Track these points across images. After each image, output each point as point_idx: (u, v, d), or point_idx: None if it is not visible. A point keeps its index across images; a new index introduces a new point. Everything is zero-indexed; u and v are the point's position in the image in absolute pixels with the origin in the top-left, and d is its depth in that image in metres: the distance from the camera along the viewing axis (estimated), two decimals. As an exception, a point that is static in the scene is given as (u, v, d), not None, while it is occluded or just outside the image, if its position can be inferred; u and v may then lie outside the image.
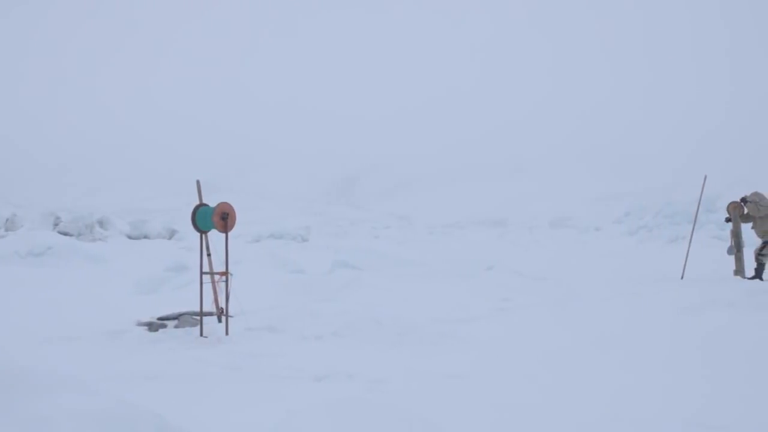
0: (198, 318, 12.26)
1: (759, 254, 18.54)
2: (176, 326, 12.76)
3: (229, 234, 12.06)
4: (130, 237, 47.83)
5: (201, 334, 11.69)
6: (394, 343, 10.84)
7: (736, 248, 18.93)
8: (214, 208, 11.89)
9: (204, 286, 12.19)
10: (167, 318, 13.24)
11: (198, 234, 12.37)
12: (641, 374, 8.69)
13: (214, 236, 12.47)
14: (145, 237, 48.22)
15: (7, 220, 48.28)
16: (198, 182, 12.92)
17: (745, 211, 19.04)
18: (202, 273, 12.18)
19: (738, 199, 19.44)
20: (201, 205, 12.18)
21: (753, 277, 18.33)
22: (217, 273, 12.13)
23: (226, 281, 11.91)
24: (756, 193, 19.02)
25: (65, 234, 40.40)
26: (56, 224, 45.34)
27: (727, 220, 19.45)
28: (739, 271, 18.76)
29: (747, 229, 19.35)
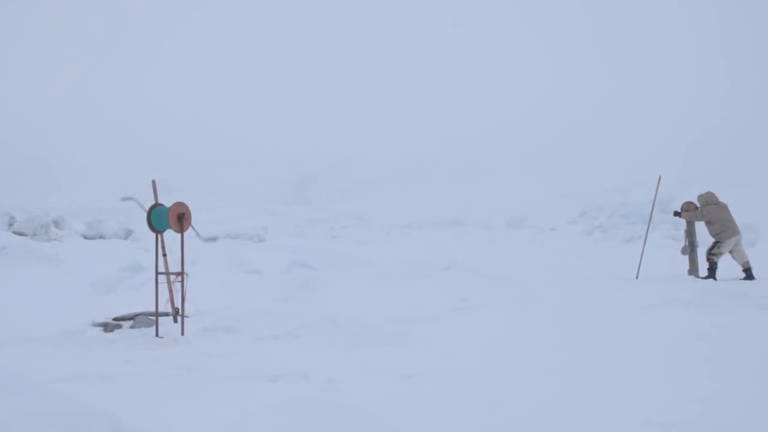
0: (153, 318, 12.21)
1: (710, 254, 18.75)
2: (132, 327, 12.71)
3: (185, 234, 12.03)
4: (85, 237, 47.46)
5: (156, 335, 11.64)
6: (350, 343, 10.85)
7: (690, 248, 19.13)
8: (169, 208, 11.85)
9: (160, 286, 12.15)
10: (123, 318, 13.17)
11: (154, 234, 12.33)
12: (598, 373, 8.76)
13: (170, 236, 12.43)
14: (101, 237, 47.85)
15: (-41, 220, 47.74)
16: (153, 182, 12.89)
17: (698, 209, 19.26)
18: (157, 273, 12.13)
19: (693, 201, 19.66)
20: (156, 205, 12.14)
21: (706, 277, 18.54)
22: (173, 273, 12.10)
23: (182, 281, 11.88)
24: (708, 193, 19.22)
25: (20, 234, 39.93)
26: (11, 224, 44.85)
27: (676, 213, 19.63)
28: (693, 270, 18.96)
29: (701, 230, 19.55)
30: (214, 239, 47.80)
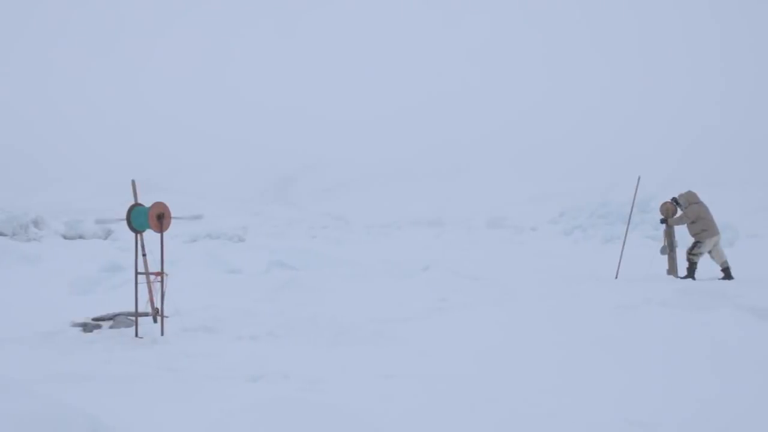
0: (133, 318, 12.18)
1: (690, 254, 18.84)
2: (111, 327, 12.66)
3: (165, 234, 12.01)
4: (65, 237, 47.26)
5: (136, 335, 11.61)
6: (330, 343, 10.85)
7: (669, 248, 19.21)
8: (149, 208, 11.83)
9: (139, 286, 12.13)
10: (102, 319, 13.12)
11: (133, 234, 12.30)
12: (578, 373, 8.79)
13: (150, 236, 12.40)
14: (81, 237, 47.68)
15: (-62, 219, 47.47)
16: (133, 182, 12.85)
17: (678, 212, 19.35)
18: (137, 273, 12.11)
19: (669, 200, 19.73)
20: (136, 205, 12.11)
21: (685, 277, 18.63)
22: (153, 273, 12.07)
23: (162, 281, 11.85)
24: (689, 192, 19.29)
25: (-1, 234, 39.84)
26: (-10, 224, 44.66)
27: (663, 221, 19.70)
28: (672, 270, 19.05)
29: (680, 230, 19.63)
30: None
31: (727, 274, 18.53)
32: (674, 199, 19.58)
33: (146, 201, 12.25)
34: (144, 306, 12.35)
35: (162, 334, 11.57)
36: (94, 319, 13.14)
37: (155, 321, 12.29)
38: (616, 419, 6.89)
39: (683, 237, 19.79)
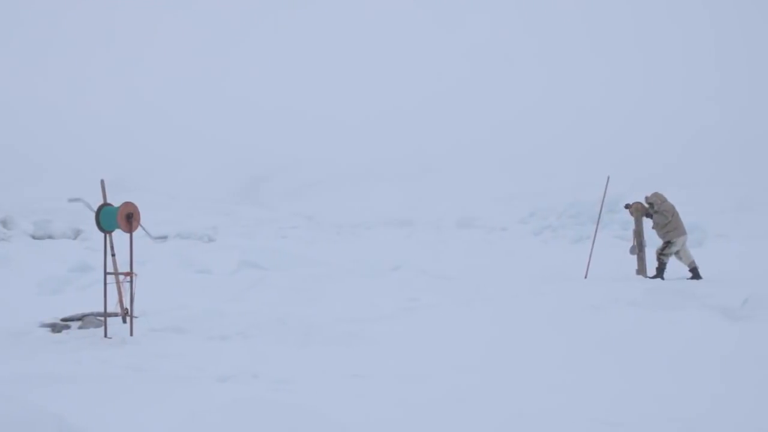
0: (102, 319, 12.13)
1: (660, 254, 18.95)
2: (80, 327, 12.61)
3: (134, 234, 11.97)
4: (34, 237, 46.95)
5: (105, 335, 11.57)
6: (299, 343, 10.86)
7: (639, 248, 19.31)
8: (118, 208, 11.78)
9: (108, 286, 12.08)
10: (71, 319, 13.07)
11: (103, 234, 12.25)
12: (546, 372, 8.83)
13: (120, 236, 12.35)
14: (50, 237, 47.38)
15: None
16: (102, 182, 12.80)
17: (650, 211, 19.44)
18: (106, 273, 12.06)
19: (635, 202, 19.83)
20: (105, 205, 12.07)
21: (654, 277, 18.74)
22: (122, 273, 12.02)
23: (131, 282, 11.81)
24: (655, 194, 19.39)
25: (-33, 234, 39.56)
26: (-43, 224, 44.33)
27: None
28: (641, 270, 19.15)
29: (649, 229, 19.73)
30: (164, 238, 47.55)
31: (695, 274, 18.64)
32: (635, 204, 19.70)
33: (116, 201, 12.20)
34: (113, 306, 12.29)
35: (131, 334, 11.53)
36: (63, 320, 13.08)
37: (124, 321, 12.25)
38: (582, 419, 6.93)
39: (652, 237, 19.87)
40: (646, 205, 19.46)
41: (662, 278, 18.56)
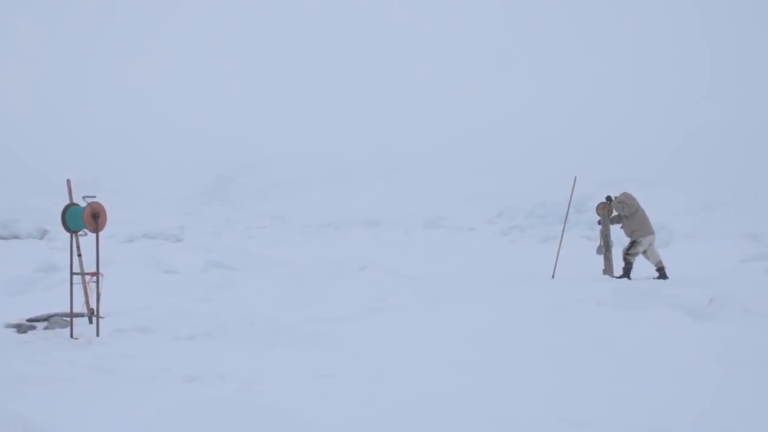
0: (68, 319, 12.08)
1: (626, 254, 19.04)
2: (46, 328, 12.56)
3: (101, 234, 11.92)
4: (-1, 237, 46.63)
5: (71, 336, 11.53)
6: (266, 344, 10.85)
7: (605, 248, 19.39)
8: (84, 208, 11.73)
9: (75, 287, 12.02)
10: (37, 319, 13.01)
11: (69, 234, 12.20)
12: (512, 372, 8.88)
13: (86, 236, 12.29)
14: (15, 237, 47.05)
15: None
16: (68, 181, 12.74)
17: (614, 212, 19.53)
18: (72, 274, 12.00)
19: (604, 199, 19.92)
20: (71, 205, 12.01)
21: (621, 276, 18.83)
22: (88, 273, 11.98)
23: (97, 282, 11.76)
24: (624, 194, 19.49)
25: (-70, 234, 39.24)
26: None
27: (600, 222, 19.86)
28: (608, 270, 19.22)
29: (616, 229, 19.83)
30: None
31: (662, 274, 18.74)
32: (608, 198, 19.78)
33: (82, 201, 12.14)
34: (79, 307, 12.24)
35: (97, 334, 11.49)
36: (29, 320, 13.02)
37: (91, 322, 12.19)
38: (549, 418, 6.98)
39: (619, 237, 19.97)
40: (614, 205, 19.52)
41: (629, 278, 18.66)
